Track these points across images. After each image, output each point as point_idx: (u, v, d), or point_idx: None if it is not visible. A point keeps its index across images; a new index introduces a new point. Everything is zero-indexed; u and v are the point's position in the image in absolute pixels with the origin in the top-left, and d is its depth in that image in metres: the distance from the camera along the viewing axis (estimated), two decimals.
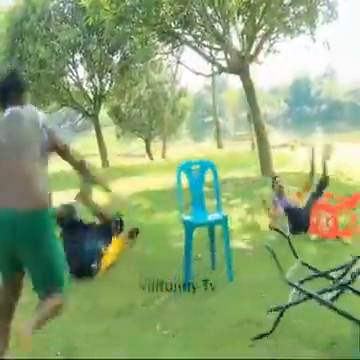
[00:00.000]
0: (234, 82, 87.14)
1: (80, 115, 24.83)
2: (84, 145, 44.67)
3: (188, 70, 14.62)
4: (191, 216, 5.29)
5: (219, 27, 12.17)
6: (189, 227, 5.04)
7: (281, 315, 3.33)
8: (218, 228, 5.57)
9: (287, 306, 3.34)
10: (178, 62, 14.27)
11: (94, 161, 24.70)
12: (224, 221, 5.09)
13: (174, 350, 3.58)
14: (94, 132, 23.56)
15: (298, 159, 17.67)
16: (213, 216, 5.37)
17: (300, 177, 9.21)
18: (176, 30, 12.53)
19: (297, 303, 3.39)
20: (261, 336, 3.50)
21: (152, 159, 30.09)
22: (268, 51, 12.98)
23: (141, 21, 12.10)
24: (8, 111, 3.24)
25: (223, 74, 35.15)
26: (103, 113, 26.95)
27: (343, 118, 69.23)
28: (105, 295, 4.85)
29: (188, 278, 4.95)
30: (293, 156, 19.18)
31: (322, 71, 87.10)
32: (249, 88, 12.24)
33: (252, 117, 12.78)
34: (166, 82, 28.90)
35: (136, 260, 5.99)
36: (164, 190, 11.68)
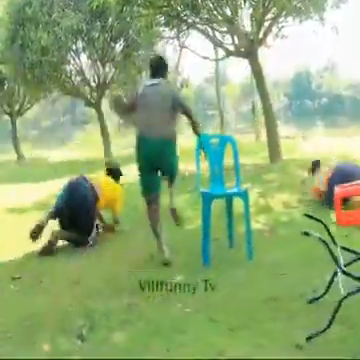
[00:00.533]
0: (234, 75, 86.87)
1: (79, 109, 24.56)
2: (84, 139, 44.49)
3: (189, 64, 14.39)
4: (210, 189, 5.08)
5: (227, 10, 11.87)
6: (207, 199, 4.83)
7: (339, 307, 3.08)
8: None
9: (345, 297, 3.08)
10: (184, 47, 13.93)
11: (97, 152, 24.56)
12: (244, 195, 4.86)
13: (201, 325, 3.36)
14: (93, 126, 23.24)
15: (304, 148, 17.52)
16: (231, 190, 5.17)
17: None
18: (183, 13, 12.21)
19: (354, 293, 3.13)
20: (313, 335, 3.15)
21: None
22: (276, 36, 12.70)
23: (147, 3, 11.83)
24: (156, 80, 5.09)
25: (223, 67, 34.91)
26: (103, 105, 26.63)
27: (343, 112, 68.88)
28: (118, 272, 4.65)
29: (207, 254, 4.73)
30: (299, 146, 19.00)
31: (323, 64, 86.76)
32: (258, 72, 11.96)
33: (261, 102, 12.45)
34: (168, 72, 28.52)
35: (149, 242, 5.74)
36: None
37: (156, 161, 4.98)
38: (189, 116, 5.15)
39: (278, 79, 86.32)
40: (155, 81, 5.07)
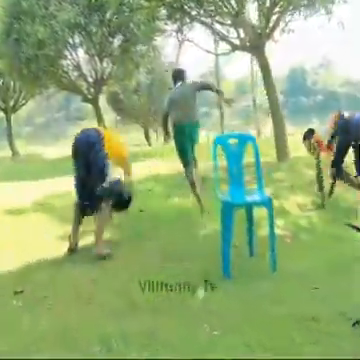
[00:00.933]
0: (229, 73, 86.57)
1: (74, 104, 24.16)
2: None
3: (186, 60, 13.93)
4: (229, 196, 4.61)
5: (233, 2, 11.41)
6: (228, 208, 4.37)
7: None
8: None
9: None
10: (188, 40, 13.44)
11: None
12: (268, 202, 4.43)
13: (234, 352, 2.91)
14: (88, 122, 22.84)
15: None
16: (253, 197, 4.73)
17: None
18: (187, 5, 11.75)
19: None
20: None
21: (150, 146, 29.34)
22: (283, 31, 12.27)
23: None
24: (180, 83, 7.04)
25: (219, 64, 34.39)
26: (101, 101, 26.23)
27: (339, 109, 68.41)
28: (133, 285, 4.17)
29: (227, 267, 4.29)
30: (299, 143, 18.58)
31: (318, 61, 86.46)
32: (265, 67, 11.53)
33: (268, 97, 11.98)
34: (166, 70, 28.12)
35: (164, 251, 5.25)
36: (174, 175, 10.99)
37: (189, 138, 6.99)
38: (213, 89, 7.23)
39: (274, 76, 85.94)
40: (177, 85, 7.12)
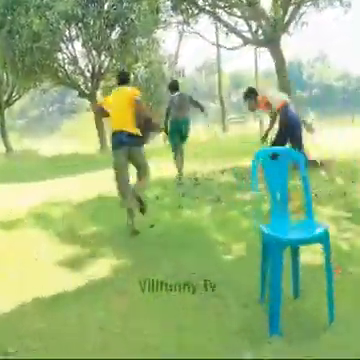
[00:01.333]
0: (226, 67, 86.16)
1: (69, 98, 23.45)
2: (74, 129, 43.03)
3: (184, 51, 13.33)
4: (272, 226, 3.70)
5: None
6: (277, 247, 3.41)
7: None
8: None
9: None
10: (194, 32, 12.63)
11: (88, 143, 23.18)
12: (325, 238, 3.55)
13: None
14: (83, 116, 22.04)
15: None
16: (302, 230, 3.81)
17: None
18: None
19: None
20: None
21: (148, 143, 28.46)
22: (296, 23, 11.56)
23: None
24: (179, 93, 10.17)
25: (214, 58, 33.55)
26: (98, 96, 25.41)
27: (334, 102, 68.27)
28: (150, 340, 3.29)
29: (276, 321, 3.37)
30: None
31: (314, 55, 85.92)
32: (280, 61, 10.76)
33: (283, 91, 11.26)
34: (164, 62, 27.31)
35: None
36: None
37: (180, 129, 9.88)
38: (198, 105, 10.15)
39: (271, 69, 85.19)
40: (177, 93, 9.98)
